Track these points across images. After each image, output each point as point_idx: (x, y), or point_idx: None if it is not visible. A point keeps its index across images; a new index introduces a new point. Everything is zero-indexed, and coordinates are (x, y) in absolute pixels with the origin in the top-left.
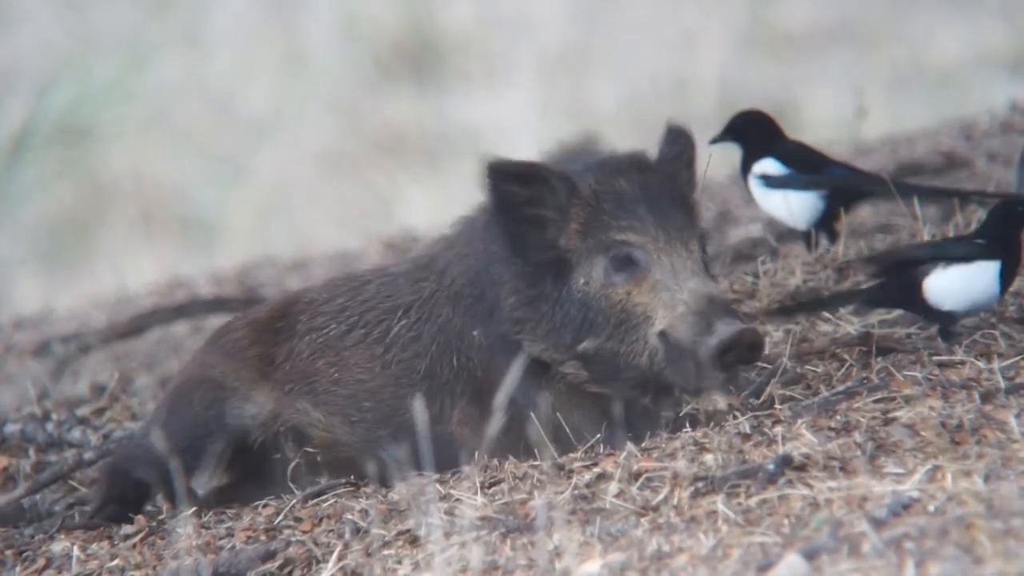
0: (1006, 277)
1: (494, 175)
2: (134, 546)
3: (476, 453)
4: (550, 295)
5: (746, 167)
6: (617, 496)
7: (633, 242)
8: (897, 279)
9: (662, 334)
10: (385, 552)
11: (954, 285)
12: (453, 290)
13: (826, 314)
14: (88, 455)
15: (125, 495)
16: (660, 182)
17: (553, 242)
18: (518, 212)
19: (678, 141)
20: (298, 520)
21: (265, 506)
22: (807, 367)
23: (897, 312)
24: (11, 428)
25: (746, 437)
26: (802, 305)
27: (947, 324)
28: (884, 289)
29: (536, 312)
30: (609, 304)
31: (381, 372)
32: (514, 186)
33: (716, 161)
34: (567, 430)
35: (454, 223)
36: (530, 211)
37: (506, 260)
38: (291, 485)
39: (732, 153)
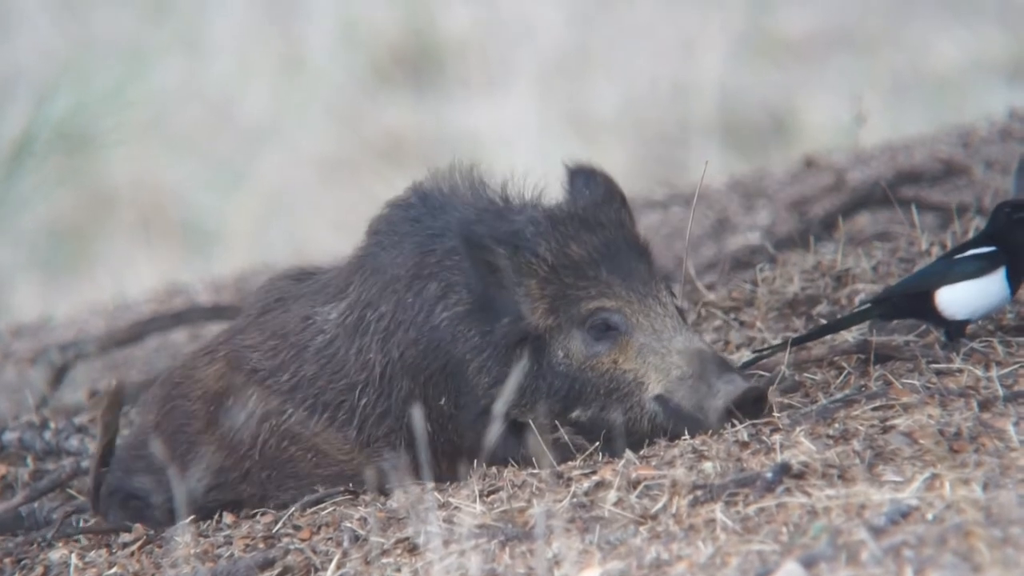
0: (1015, 278)
1: (470, 246)
2: (132, 554)
3: (475, 461)
4: (529, 369)
5: None
6: (616, 504)
7: (608, 307)
8: (917, 288)
9: (659, 397)
10: (384, 560)
11: (967, 296)
12: (406, 362)
13: (824, 321)
14: (86, 463)
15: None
16: (610, 236)
17: (519, 318)
18: (487, 276)
19: (595, 181)
20: (297, 528)
21: (264, 514)
22: (805, 375)
23: (895, 320)
24: (9, 436)
25: (744, 445)
26: (822, 329)
27: (959, 331)
28: (895, 303)
29: (517, 387)
30: (597, 375)
31: (360, 451)
32: (483, 253)
33: (714, 168)
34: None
35: (357, 267)
36: (495, 285)
37: (460, 337)
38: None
39: (732, 160)
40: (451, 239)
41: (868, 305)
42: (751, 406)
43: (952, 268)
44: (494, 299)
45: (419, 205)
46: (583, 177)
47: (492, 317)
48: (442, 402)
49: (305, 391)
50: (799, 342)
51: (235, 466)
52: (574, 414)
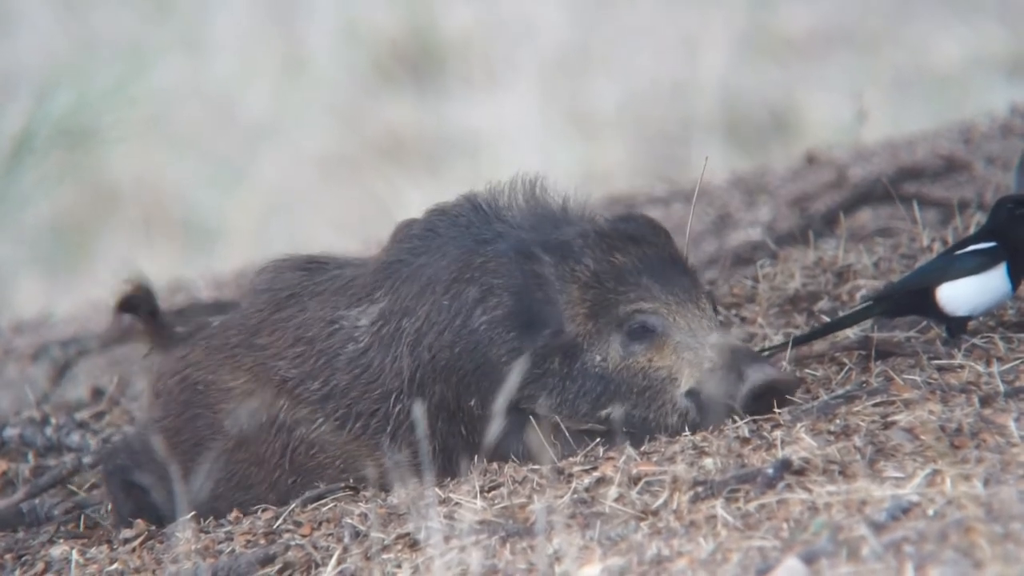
0: (1016, 274)
1: (519, 255)
2: (133, 550)
3: (475, 457)
4: (557, 371)
5: None
6: (617, 500)
7: (646, 309)
8: (916, 286)
9: (691, 392)
10: (384, 556)
11: (967, 293)
12: (438, 365)
13: (825, 317)
14: (87, 459)
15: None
16: (655, 251)
17: (560, 327)
18: (533, 294)
19: (634, 220)
20: (297, 524)
21: (264, 510)
22: (806, 371)
23: (897, 317)
24: (10, 432)
25: (745, 441)
26: (825, 327)
27: (960, 327)
28: (897, 300)
29: (544, 387)
30: (631, 374)
31: (391, 457)
32: (533, 265)
33: (715, 165)
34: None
35: (388, 272)
36: (539, 294)
37: (498, 340)
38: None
39: (733, 158)
40: (501, 244)
41: (870, 302)
42: (778, 396)
43: (953, 264)
44: (537, 310)
45: (470, 213)
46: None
47: (534, 328)
48: (472, 403)
49: (337, 401)
50: (801, 341)
51: (265, 479)
52: (603, 413)
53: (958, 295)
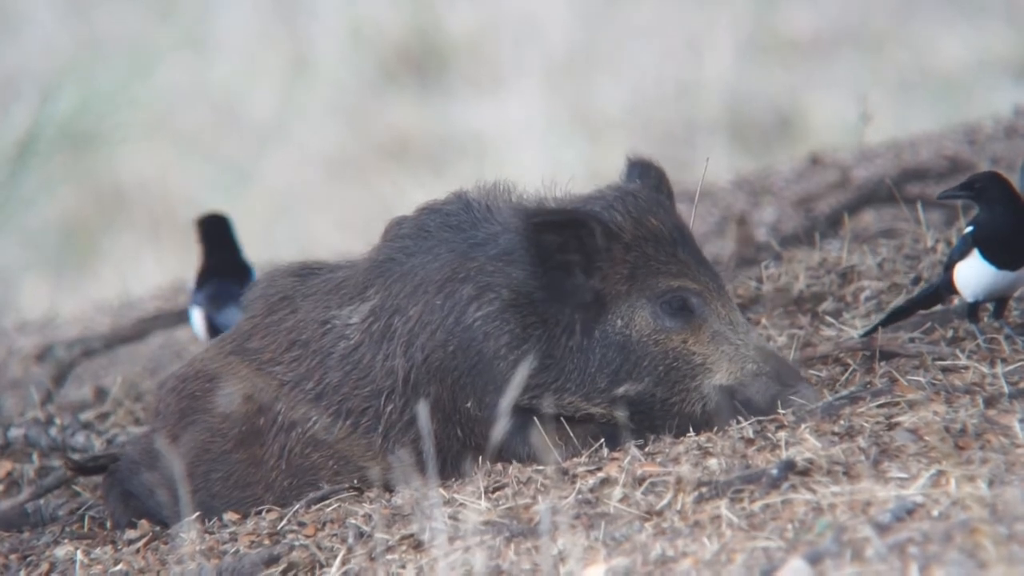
0: (995, 254)
1: (536, 228)
2: (138, 551)
3: (480, 458)
4: (578, 345)
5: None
6: (621, 501)
7: (690, 288)
8: (942, 278)
9: (725, 388)
10: (388, 556)
11: (963, 278)
12: (432, 365)
13: (829, 318)
14: None
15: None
16: (679, 222)
17: (585, 284)
18: (555, 260)
19: (650, 174)
20: (301, 524)
21: (269, 511)
22: (811, 371)
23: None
24: (15, 432)
25: (750, 442)
26: (890, 317)
27: (972, 313)
28: (936, 289)
29: (560, 372)
30: (661, 350)
31: (385, 458)
32: (553, 235)
33: (720, 166)
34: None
35: (379, 271)
36: (566, 257)
37: (495, 332)
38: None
39: (738, 158)
40: (494, 248)
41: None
42: None
43: (957, 247)
44: (558, 282)
45: (462, 213)
46: (639, 168)
47: (558, 297)
48: (468, 405)
49: (330, 398)
50: (890, 321)
51: (262, 479)
52: (621, 389)
53: (960, 279)
